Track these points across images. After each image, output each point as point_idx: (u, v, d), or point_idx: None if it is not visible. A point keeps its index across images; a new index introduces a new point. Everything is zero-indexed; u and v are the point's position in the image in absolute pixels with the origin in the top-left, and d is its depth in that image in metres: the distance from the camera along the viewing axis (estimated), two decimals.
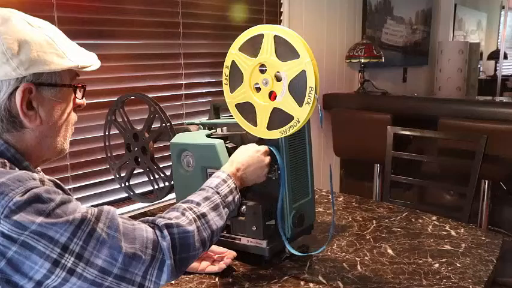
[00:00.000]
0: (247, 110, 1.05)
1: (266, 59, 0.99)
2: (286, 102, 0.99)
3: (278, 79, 1.00)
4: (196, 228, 0.81)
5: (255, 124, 1.05)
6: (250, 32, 1.01)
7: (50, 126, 0.75)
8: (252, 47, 1.01)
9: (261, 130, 1.04)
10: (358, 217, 1.45)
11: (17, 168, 0.69)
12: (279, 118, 1.01)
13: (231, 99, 1.07)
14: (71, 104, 0.79)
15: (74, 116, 0.82)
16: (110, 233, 0.68)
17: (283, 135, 1.02)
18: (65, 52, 0.75)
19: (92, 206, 0.72)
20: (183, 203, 0.87)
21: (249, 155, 1.05)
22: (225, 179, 0.96)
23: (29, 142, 0.74)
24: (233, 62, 1.04)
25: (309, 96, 0.95)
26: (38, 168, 0.82)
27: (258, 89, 1.03)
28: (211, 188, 0.92)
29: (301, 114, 0.97)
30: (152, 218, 0.80)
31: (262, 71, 1.01)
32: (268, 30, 0.99)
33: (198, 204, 0.87)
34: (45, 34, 0.73)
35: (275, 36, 0.97)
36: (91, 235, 0.66)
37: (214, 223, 0.86)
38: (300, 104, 0.97)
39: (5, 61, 0.68)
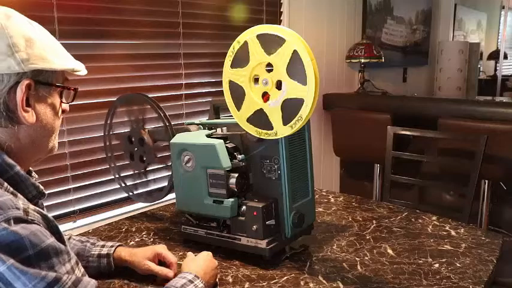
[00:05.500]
0: (237, 91, 1.06)
1: (277, 61, 0.99)
2: (273, 112, 1.02)
3: (277, 87, 1.00)
4: None
5: (238, 108, 1.07)
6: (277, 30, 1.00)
7: (43, 125, 0.75)
8: (271, 44, 1.00)
9: (241, 117, 1.07)
10: (358, 217, 1.45)
11: (5, 183, 0.67)
12: (260, 119, 1.04)
13: (228, 74, 1.07)
14: (60, 106, 0.80)
15: (59, 119, 0.82)
16: None
17: (257, 135, 1.05)
18: (62, 54, 0.77)
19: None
20: None
21: (204, 260, 1.03)
22: (192, 279, 0.93)
23: (22, 140, 0.73)
24: (246, 43, 1.03)
25: (295, 122, 0.99)
26: (35, 175, 0.81)
27: (256, 80, 1.03)
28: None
29: (281, 130, 1.02)
30: None
31: (268, 71, 1.02)
32: (295, 43, 0.97)
33: None
34: (44, 34, 0.76)
35: (294, 50, 0.97)
36: None
37: None
38: (285, 123, 1.00)
39: (10, 54, 0.68)
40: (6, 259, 0.59)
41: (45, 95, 0.74)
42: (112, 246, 1.10)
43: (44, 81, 0.73)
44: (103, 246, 1.10)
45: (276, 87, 1.01)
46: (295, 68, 0.97)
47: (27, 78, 0.70)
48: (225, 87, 1.08)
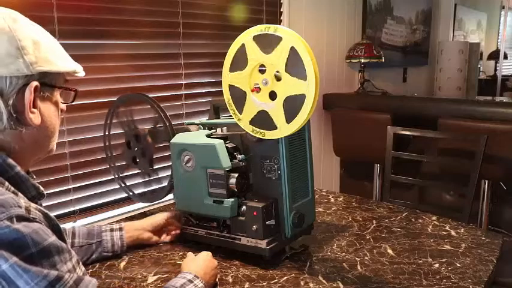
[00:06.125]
0: (238, 94, 1.06)
1: (276, 59, 0.99)
2: (276, 112, 1.02)
3: (278, 79, 1.00)
4: None
5: (240, 111, 1.07)
6: (268, 29, 1.01)
7: (47, 126, 0.76)
8: (268, 44, 1.00)
9: (244, 120, 1.07)
10: (358, 217, 1.45)
11: (6, 182, 0.68)
12: (263, 120, 1.04)
13: (227, 79, 1.07)
14: (60, 107, 0.81)
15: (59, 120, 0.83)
16: None
17: (262, 137, 1.05)
18: (63, 55, 0.79)
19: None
20: None
21: (204, 260, 1.03)
22: (192, 279, 0.93)
23: (26, 141, 0.73)
24: (243, 46, 1.03)
25: (297, 120, 0.99)
26: (33, 176, 0.81)
27: (258, 89, 1.03)
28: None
29: (284, 129, 1.02)
30: None
31: (262, 71, 1.01)
32: (291, 38, 0.97)
33: None
34: (46, 36, 0.77)
35: (292, 47, 0.97)
36: None
37: None
38: (288, 121, 1.00)
39: (20, 57, 0.69)
40: (9, 257, 0.59)
41: (49, 97, 0.76)
42: (120, 222, 1.22)
43: (49, 83, 0.75)
44: (111, 223, 1.20)
45: (276, 80, 1.00)
46: (294, 65, 0.96)
47: (34, 80, 0.71)
48: (225, 90, 1.08)
